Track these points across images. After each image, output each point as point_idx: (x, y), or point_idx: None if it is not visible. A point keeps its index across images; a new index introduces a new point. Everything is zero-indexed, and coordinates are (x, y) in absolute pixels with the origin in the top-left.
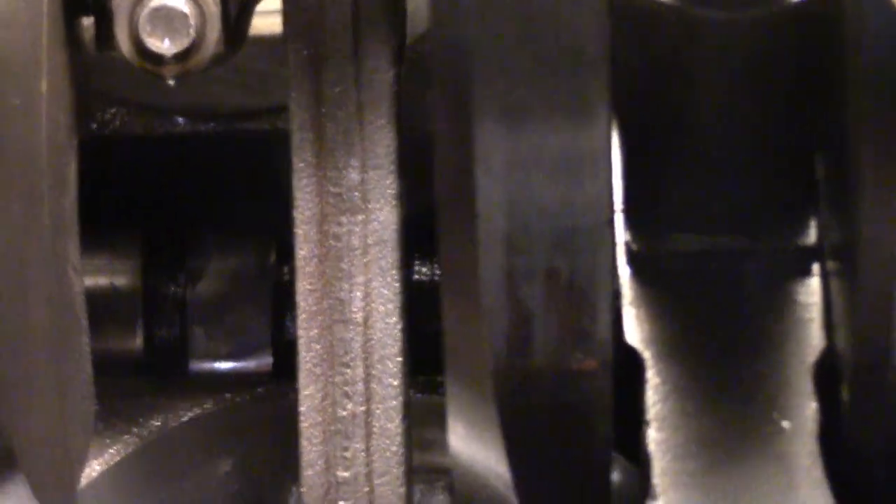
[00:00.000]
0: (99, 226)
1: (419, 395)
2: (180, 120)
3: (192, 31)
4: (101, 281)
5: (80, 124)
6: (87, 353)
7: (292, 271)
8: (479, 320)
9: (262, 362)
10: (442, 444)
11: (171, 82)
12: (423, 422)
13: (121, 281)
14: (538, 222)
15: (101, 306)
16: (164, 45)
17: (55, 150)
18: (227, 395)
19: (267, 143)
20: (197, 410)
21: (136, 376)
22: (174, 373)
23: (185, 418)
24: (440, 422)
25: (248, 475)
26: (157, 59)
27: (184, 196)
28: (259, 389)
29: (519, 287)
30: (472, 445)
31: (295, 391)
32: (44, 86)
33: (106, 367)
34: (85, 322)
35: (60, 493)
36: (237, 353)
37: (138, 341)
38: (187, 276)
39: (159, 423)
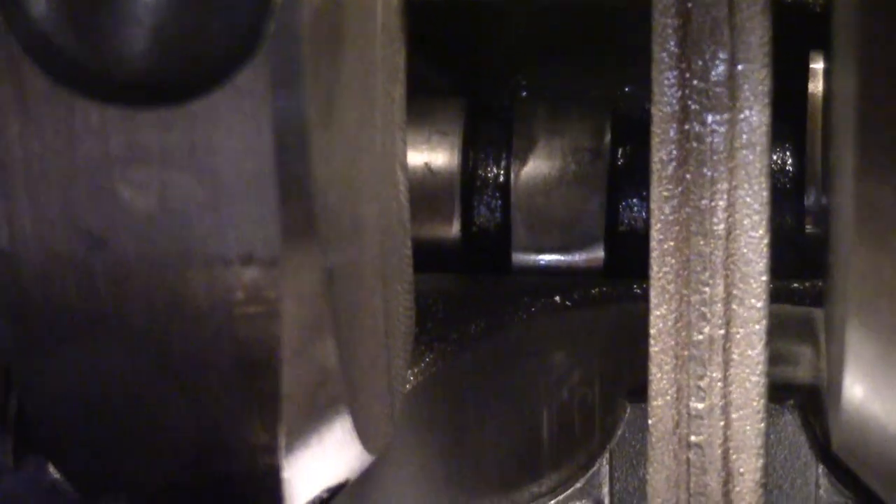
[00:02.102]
0: (417, 98)
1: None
2: None
3: None
4: (416, 160)
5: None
6: (410, 258)
7: (627, 153)
8: None
9: (592, 256)
10: (793, 358)
11: None
12: (773, 333)
13: (438, 160)
14: None
15: (416, 189)
16: None
17: (388, 40)
18: (556, 299)
19: (606, 13)
20: (522, 314)
21: (453, 269)
22: (494, 266)
23: (509, 322)
24: (790, 333)
25: (577, 384)
26: None
27: (511, 67)
28: (592, 291)
29: None
30: (874, 405)
31: (631, 294)
32: None
33: (420, 259)
34: (408, 224)
35: (382, 418)
36: (565, 245)
37: (455, 229)
38: (512, 155)
39: (481, 328)
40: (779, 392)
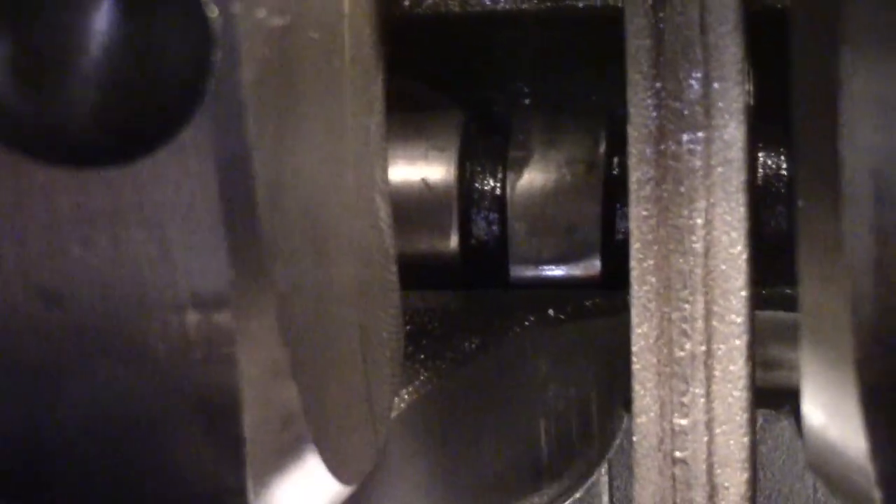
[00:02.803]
0: (411, 113)
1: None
2: None
3: None
4: (413, 176)
5: (386, 33)
6: (395, 283)
7: (623, 164)
8: (841, 287)
9: (589, 266)
10: (787, 364)
11: None
12: (767, 339)
13: (434, 175)
14: None
15: (414, 205)
16: None
17: (361, 72)
18: (551, 312)
19: (596, 21)
20: (516, 329)
21: (453, 284)
22: (492, 279)
23: (503, 337)
24: (785, 339)
25: (573, 396)
26: None
27: (504, 80)
28: (587, 303)
29: (888, 247)
30: (831, 432)
31: (624, 304)
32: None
33: (418, 274)
34: (392, 249)
35: (362, 448)
36: (562, 256)
37: (454, 244)
38: (508, 168)
39: (476, 344)
40: (775, 398)
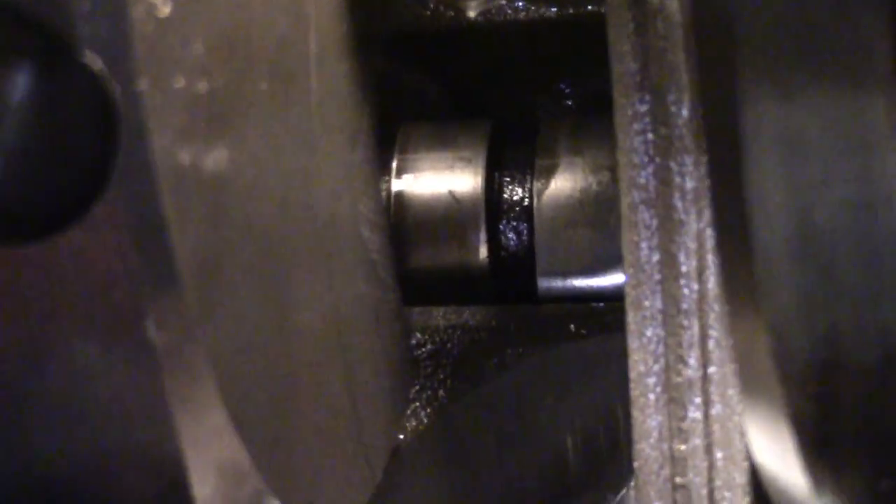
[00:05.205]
0: (436, 124)
1: None
2: (520, 4)
3: None
4: (440, 188)
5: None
6: (397, 312)
7: None
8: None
9: (616, 279)
10: None
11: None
12: None
13: (461, 185)
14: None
15: (441, 219)
16: None
17: (339, 107)
18: (572, 327)
19: None
20: (544, 351)
21: (482, 296)
22: (520, 292)
23: (525, 355)
24: None
25: (598, 409)
26: None
27: (530, 86)
28: (606, 318)
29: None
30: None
31: None
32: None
33: (446, 290)
34: (391, 280)
35: (346, 499)
36: (589, 267)
37: (482, 256)
38: (536, 175)
39: (496, 362)
40: None
